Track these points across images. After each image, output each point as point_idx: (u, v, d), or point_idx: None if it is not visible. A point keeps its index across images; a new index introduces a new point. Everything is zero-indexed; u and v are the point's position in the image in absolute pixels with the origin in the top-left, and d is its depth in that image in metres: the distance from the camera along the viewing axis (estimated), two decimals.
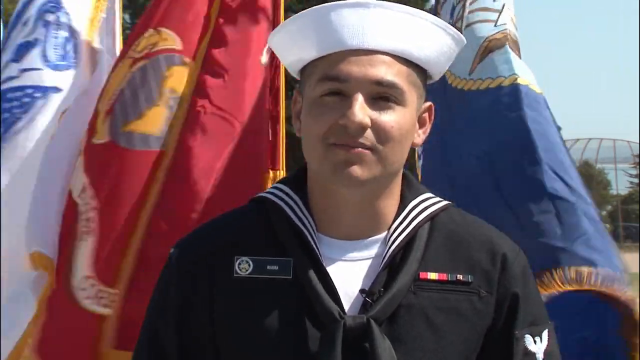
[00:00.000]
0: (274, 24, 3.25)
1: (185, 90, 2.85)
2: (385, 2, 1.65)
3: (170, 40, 2.92)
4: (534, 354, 1.71)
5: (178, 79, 2.86)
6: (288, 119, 2.62)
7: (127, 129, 2.80)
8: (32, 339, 2.73)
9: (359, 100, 1.60)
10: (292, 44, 1.69)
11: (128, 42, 3.04)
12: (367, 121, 1.60)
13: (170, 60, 2.90)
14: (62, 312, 2.69)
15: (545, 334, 1.73)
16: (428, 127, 1.73)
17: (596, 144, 59.73)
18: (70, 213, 2.78)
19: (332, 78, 1.62)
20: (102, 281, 2.66)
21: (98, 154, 2.84)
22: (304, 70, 1.70)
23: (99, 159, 2.84)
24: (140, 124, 2.81)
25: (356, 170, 1.61)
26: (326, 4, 1.66)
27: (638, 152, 57.36)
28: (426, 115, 1.73)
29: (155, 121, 2.81)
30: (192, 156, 2.80)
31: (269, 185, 3.11)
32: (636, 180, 63.21)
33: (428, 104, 1.73)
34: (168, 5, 2.98)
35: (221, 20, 2.99)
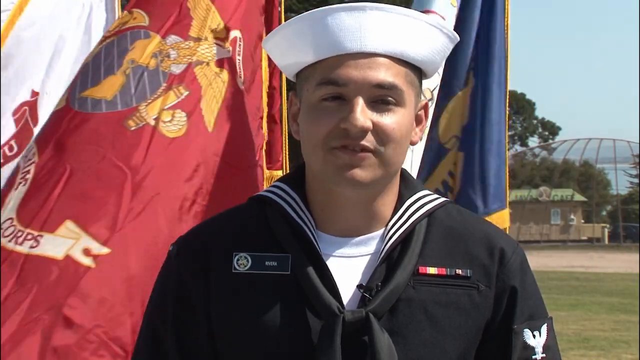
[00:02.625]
0: (270, 22, 3.26)
1: (146, 59, 2.90)
2: (381, 4, 1.65)
3: (140, 18, 2.99)
4: (532, 348, 1.71)
5: (140, 49, 2.92)
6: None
7: (82, 95, 2.87)
8: None
9: (360, 104, 1.60)
10: (289, 48, 1.70)
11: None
12: (369, 124, 1.61)
13: (137, 35, 2.96)
14: None
15: (544, 328, 1.73)
16: (424, 124, 1.75)
17: (596, 144, 59.83)
18: (14, 177, 2.83)
19: (331, 82, 1.62)
20: (22, 223, 2.66)
21: (52, 119, 2.91)
22: (300, 73, 1.70)
23: (50, 122, 2.90)
24: (96, 91, 2.87)
25: (359, 173, 1.62)
26: (323, 8, 1.66)
27: (638, 152, 57.42)
28: (422, 113, 1.73)
29: (110, 88, 2.87)
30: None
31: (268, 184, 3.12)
32: (636, 180, 63.29)
33: (424, 101, 1.74)
34: None
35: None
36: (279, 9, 3.39)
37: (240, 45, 2.99)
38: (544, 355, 1.72)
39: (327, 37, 1.63)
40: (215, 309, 1.67)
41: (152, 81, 2.85)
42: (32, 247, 2.60)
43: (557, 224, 57.33)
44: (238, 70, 2.97)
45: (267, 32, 3.06)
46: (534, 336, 1.71)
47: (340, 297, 1.63)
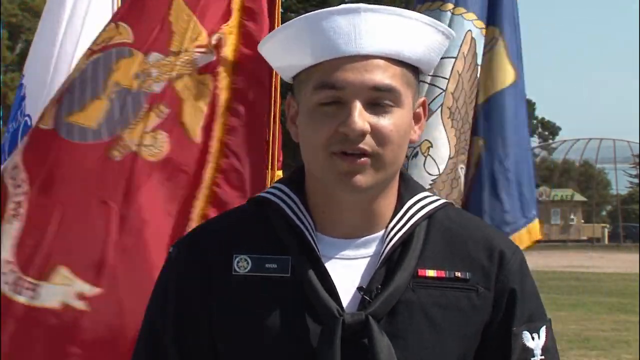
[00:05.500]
0: (270, 24, 3.25)
1: (129, 81, 2.87)
2: (375, 5, 1.65)
3: (125, 33, 2.96)
4: (531, 350, 1.71)
5: (124, 70, 2.89)
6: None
7: (69, 120, 2.85)
8: None
9: (358, 107, 1.61)
10: (284, 52, 1.70)
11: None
12: (367, 127, 1.61)
13: (121, 53, 2.94)
14: None
15: (542, 330, 1.73)
16: (423, 122, 1.74)
17: (596, 144, 59.82)
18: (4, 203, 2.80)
19: (328, 86, 1.62)
20: (22, 269, 2.68)
21: (40, 139, 2.88)
22: (297, 76, 1.70)
23: (38, 144, 2.88)
24: (82, 116, 2.85)
25: (359, 179, 1.62)
26: (317, 11, 1.66)
27: (638, 152, 57.43)
28: (420, 110, 1.73)
29: (94, 114, 2.85)
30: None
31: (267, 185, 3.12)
32: (636, 180, 63.34)
33: (422, 99, 1.74)
34: (131, 1, 3.01)
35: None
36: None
37: (226, 43, 2.98)
38: (542, 357, 1.72)
39: (322, 40, 1.63)
40: (216, 311, 1.67)
41: (135, 104, 2.84)
42: (31, 297, 2.65)
43: (557, 224, 57.33)
44: (225, 68, 2.94)
45: (268, 32, 3.06)
46: (532, 338, 1.71)
47: (340, 300, 1.63)
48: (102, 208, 2.72)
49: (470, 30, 3.35)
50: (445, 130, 3.23)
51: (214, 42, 2.93)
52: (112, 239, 2.68)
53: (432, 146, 3.20)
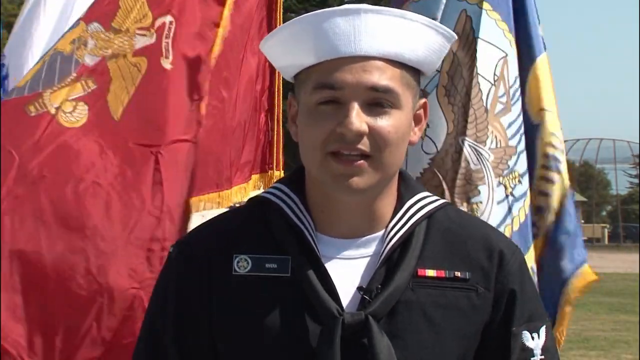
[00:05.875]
0: (271, 24, 3.26)
1: (65, 45, 2.94)
2: (376, 6, 1.65)
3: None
4: (531, 350, 1.72)
5: (67, 39, 2.97)
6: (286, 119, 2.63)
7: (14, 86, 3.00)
8: None
9: (355, 108, 1.61)
10: (285, 51, 1.70)
11: None
12: (365, 128, 1.61)
13: (71, 28, 3.03)
14: None
15: (542, 330, 1.74)
16: (424, 123, 1.75)
17: (596, 144, 59.81)
18: None
19: (327, 86, 1.63)
20: None
21: None
22: (298, 75, 1.71)
23: None
24: (21, 81, 2.97)
25: (356, 181, 1.62)
26: (318, 12, 1.67)
27: (638, 152, 57.45)
28: (421, 112, 1.73)
29: (27, 76, 2.95)
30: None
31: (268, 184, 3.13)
32: (636, 180, 63.36)
33: (422, 100, 1.74)
34: None
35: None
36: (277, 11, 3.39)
37: (170, 28, 3.00)
38: (542, 357, 1.72)
39: (322, 41, 1.63)
40: (216, 311, 1.67)
41: (63, 68, 2.91)
42: None
43: None
44: (163, 52, 2.97)
45: (269, 32, 3.07)
46: (532, 338, 1.72)
47: (340, 300, 1.64)
48: (5, 156, 2.78)
49: (464, 9, 3.36)
50: (442, 109, 3.27)
51: (157, 25, 2.97)
52: (7, 186, 2.75)
53: (428, 127, 3.21)
